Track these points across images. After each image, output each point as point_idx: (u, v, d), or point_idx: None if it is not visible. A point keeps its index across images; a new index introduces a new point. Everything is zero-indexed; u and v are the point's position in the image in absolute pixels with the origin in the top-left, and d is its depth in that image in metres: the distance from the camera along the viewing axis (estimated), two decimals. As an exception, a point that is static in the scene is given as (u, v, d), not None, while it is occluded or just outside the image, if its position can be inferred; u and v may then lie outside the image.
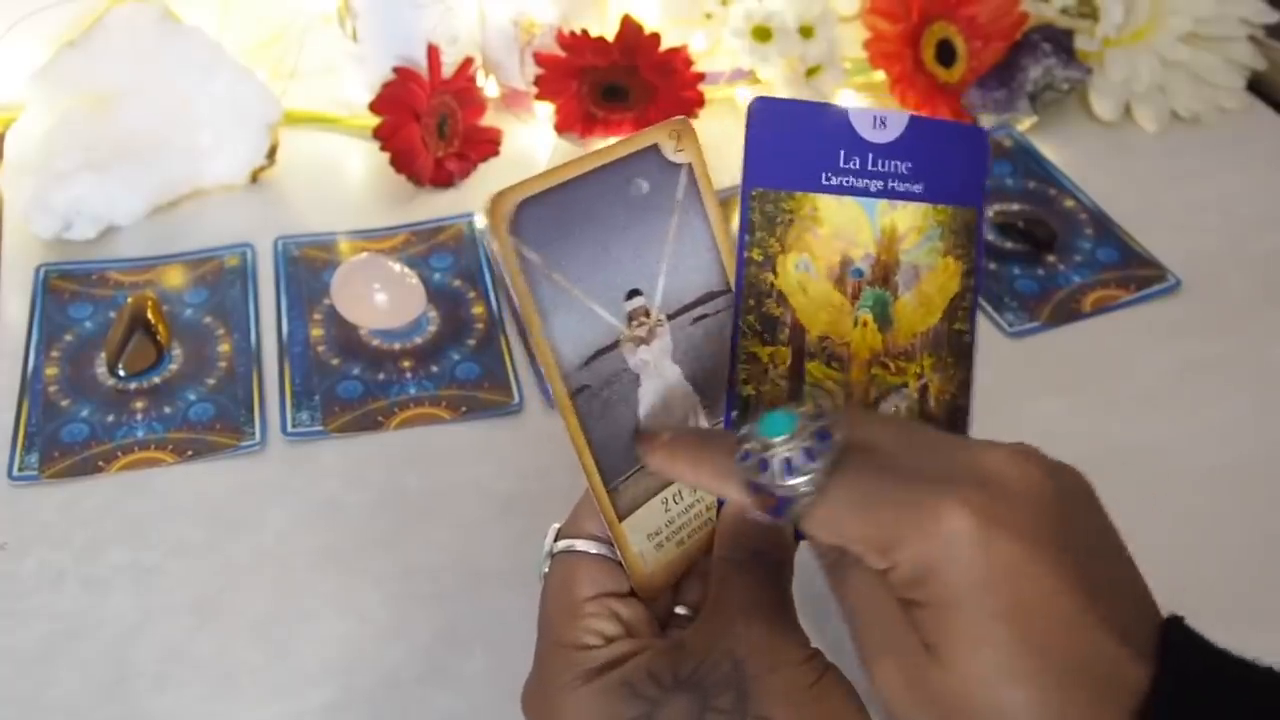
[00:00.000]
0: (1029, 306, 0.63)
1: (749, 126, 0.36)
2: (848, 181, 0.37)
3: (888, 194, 0.38)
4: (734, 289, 0.37)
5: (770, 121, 0.36)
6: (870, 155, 0.37)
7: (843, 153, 0.37)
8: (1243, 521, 0.53)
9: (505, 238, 0.34)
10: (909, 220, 0.38)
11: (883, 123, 0.37)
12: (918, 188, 0.38)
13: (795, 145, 0.37)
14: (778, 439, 0.31)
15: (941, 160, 0.38)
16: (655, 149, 0.36)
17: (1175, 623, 0.30)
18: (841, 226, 0.37)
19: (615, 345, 0.36)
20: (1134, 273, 0.65)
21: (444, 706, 0.45)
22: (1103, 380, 0.60)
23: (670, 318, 0.37)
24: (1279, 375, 0.60)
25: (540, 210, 0.34)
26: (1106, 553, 0.31)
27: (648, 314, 0.37)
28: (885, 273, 0.38)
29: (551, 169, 0.34)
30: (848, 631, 0.33)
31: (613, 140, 0.36)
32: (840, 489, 0.31)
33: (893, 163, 0.37)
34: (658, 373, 0.37)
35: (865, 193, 0.37)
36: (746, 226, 0.37)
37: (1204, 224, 0.70)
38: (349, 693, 0.46)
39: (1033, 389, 0.59)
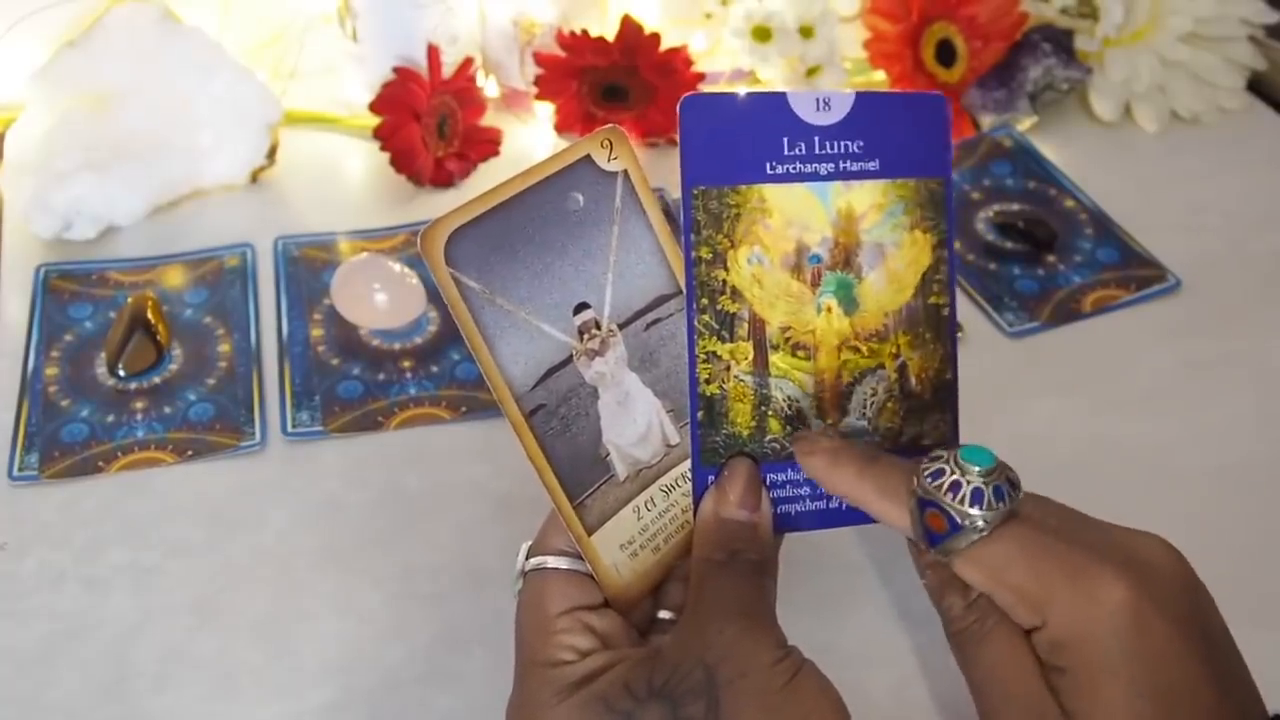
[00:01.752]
0: (1029, 306, 0.63)
1: (681, 126, 0.36)
2: (795, 168, 0.37)
3: (841, 175, 0.37)
4: (685, 290, 0.37)
5: (704, 118, 0.36)
6: (817, 139, 0.37)
7: (786, 139, 0.37)
8: (1243, 521, 0.53)
9: (442, 269, 0.33)
10: (867, 199, 0.38)
11: (826, 104, 0.37)
12: (874, 165, 0.38)
13: (734, 138, 0.36)
14: (977, 468, 0.32)
15: (897, 133, 0.38)
16: (588, 160, 0.36)
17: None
18: (793, 214, 0.37)
19: (568, 361, 0.36)
20: (1134, 273, 0.65)
21: (444, 706, 0.45)
22: (1103, 380, 0.60)
23: (622, 327, 0.37)
24: (1279, 375, 0.61)
25: (476, 236, 0.34)
26: (1228, 646, 0.33)
27: (598, 326, 0.36)
28: (846, 255, 0.38)
29: (483, 194, 0.34)
30: (974, 705, 0.33)
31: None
32: (1010, 535, 0.32)
33: (843, 143, 0.37)
34: (615, 383, 0.37)
35: (815, 177, 0.37)
36: (691, 226, 0.36)
37: (1204, 224, 0.69)
38: (349, 693, 0.46)
39: (1033, 389, 0.59)
